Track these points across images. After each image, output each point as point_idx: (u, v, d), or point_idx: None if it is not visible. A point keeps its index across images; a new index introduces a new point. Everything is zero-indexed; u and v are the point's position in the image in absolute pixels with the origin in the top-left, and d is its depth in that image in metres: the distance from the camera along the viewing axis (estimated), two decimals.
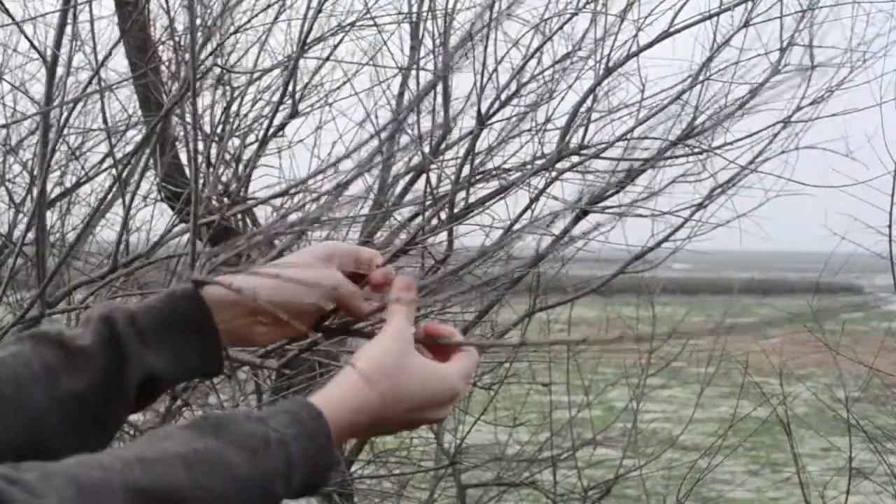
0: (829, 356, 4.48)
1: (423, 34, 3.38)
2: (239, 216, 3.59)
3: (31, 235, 2.35)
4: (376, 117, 3.38)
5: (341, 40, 3.40)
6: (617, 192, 3.32)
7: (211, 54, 2.86)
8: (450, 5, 3.23)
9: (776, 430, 4.91)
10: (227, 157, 3.38)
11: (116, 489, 0.70)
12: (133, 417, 2.69)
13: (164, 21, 3.46)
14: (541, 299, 4.04)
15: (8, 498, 0.66)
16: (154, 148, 2.55)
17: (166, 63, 3.51)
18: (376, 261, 1.05)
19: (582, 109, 3.21)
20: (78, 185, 3.88)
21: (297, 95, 3.42)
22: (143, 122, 3.66)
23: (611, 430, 5.13)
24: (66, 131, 3.02)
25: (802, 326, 4.60)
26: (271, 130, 3.23)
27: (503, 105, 3.18)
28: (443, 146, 3.09)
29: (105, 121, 2.59)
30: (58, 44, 1.98)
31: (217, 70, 3.37)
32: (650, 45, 3.20)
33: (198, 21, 3.09)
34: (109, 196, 2.99)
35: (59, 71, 2.14)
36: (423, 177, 2.95)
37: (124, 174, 2.52)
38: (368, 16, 3.36)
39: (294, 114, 3.37)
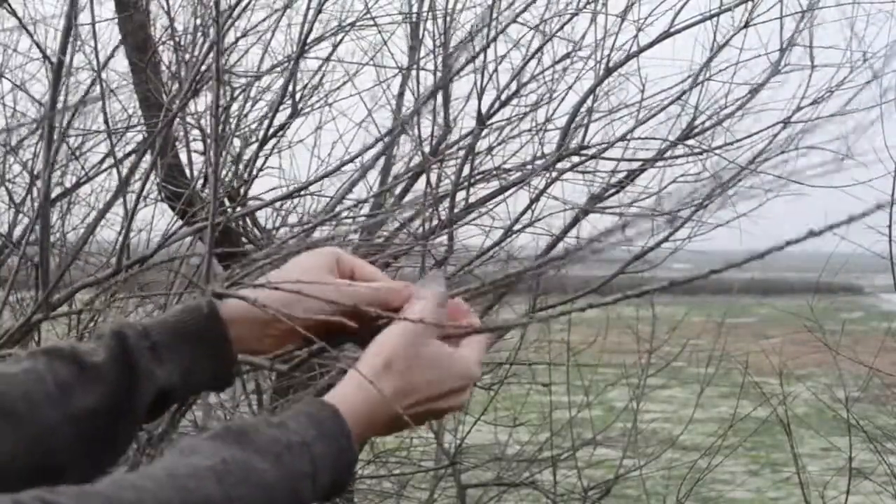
0: (829, 356, 4.47)
1: (423, 34, 3.38)
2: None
3: (32, 236, 2.35)
4: (373, 120, 3.39)
5: (341, 40, 3.41)
6: (617, 192, 3.32)
7: (209, 52, 2.86)
8: (450, 5, 3.24)
9: (776, 430, 4.91)
10: (230, 158, 3.38)
11: None
12: None
13: (165, 21, 3.47)
14: (541, 299, 4.04)
15: None
16: (155, 149, 2.54)
17: (167, 64, 3.52)
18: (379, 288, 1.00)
19: (582, 110, 3.21)
20: (78, 185, 3.88)
21: (298, 96, 3.42)
22: (144, 123, 3.66)
23: (611, 430, 5.13)
24: (67, 134, 3.02)
25: (802, 326, 4.61)
26: (271, 131, 3.24)
27: (503, 105, 3.19)
28: (443, 146, 3.09)
29: (106, 121, 2.59)
30: (63, 49, 1.97)
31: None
32: (650, 45, 3.20)
33: (198, 21, 3.10)
34: (113, 197, 2.99)
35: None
36: (423, 177, 2.95)
37: (125, 175, 2.51)
38: (368, 16, 3.36)
39: (294, 114, 3.37)
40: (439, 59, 3.22)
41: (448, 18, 3.20)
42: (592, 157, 3.22)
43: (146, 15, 3.48)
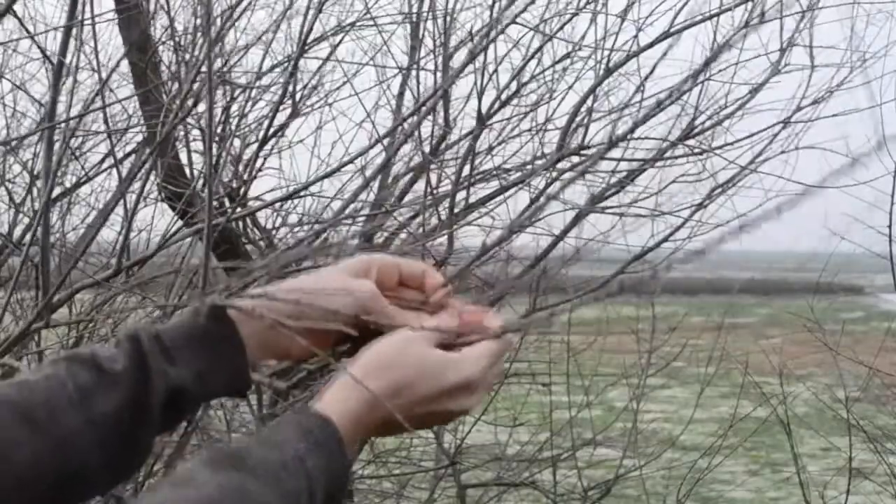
0: (829, 356, 4.48)
1: (423, 34, 3.38)
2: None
3: (31, 237, 2.35)
4: (373, 123, 3.38)
5: (341, 40, 3.41)
6: (617, 192, 3.32)
7: (209, 53, 2.85)
8: (450, 5, 3.24)
9: (776, 430, 4.91)
10: (230, 159, 3.38)
11: None
12: None
13: (164, 21, 3.47)
14: (540, 299, 4.04)
15: None
16: (155, 149, 2.55)
17: (167, 64, 3.51)
18: (430, 277, 0.99)
19: (582, 110, 3.21)
20: (78, 185, 3.88)
21: (298, 96, 3.42)
22: (144, 123, 3.66)
23: (611, 430, 5.12)
24: (70, 140, 3.02)
25: (802, 326, 4.61)
26: (271, 131, 3.24)
27: (503, 105, 3.19)
28: (443, 146, 3.09)
29: (106, 121, 2.60)
30: (63, 51, 1.98)
31: (217, 71, 3.37)
32: (650, 45, 3.20)
33: (198, 21, 3.10)
34: (113, 198, 2.99)
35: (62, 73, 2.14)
36: (424, 177, 2.96)
37: (126, 174, 2.52)
38: (368, 16, 3.36)
39: (294, 114, 3.37)
40: (439, 59, 3.22)
41: (448, 18, 3.20)
42: (592, 156, 3.22)
43: (146, 15, 3.48)
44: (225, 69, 3.39)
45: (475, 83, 2.97)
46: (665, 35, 3.18)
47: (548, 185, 3.16)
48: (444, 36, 3.17)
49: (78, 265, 2.97)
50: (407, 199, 3.35)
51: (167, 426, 0.91)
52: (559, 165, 3.19)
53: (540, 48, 3.12)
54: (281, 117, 3.35)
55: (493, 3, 2.99)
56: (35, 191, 3.46)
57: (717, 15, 3.24)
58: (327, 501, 0.83)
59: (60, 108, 2.33)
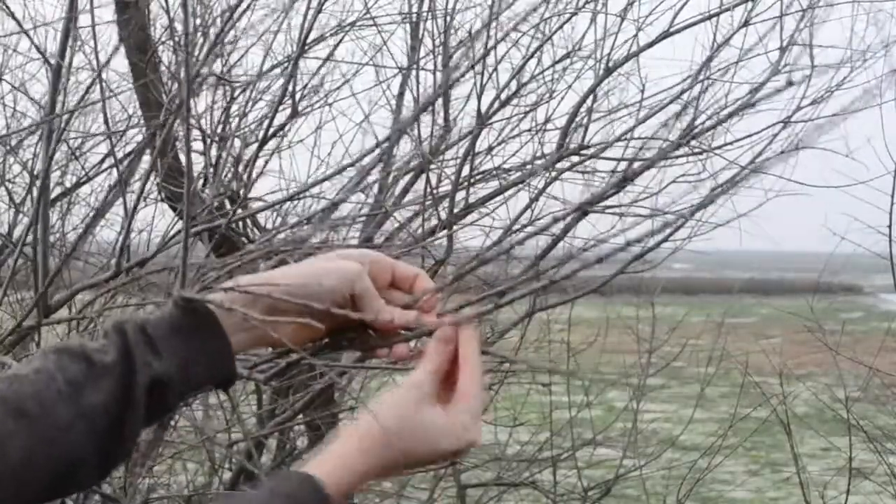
0: (829, 356, 4.48)
1: (423, 34, 3.38)
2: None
3: (31, 237, 2.35)
4: (370, 126, 3.38)
5: (341, 40, 3.41)
6: (617, 192, 3.32)
7: (209, 54, 2.86)
8: (450, 5, 3.24)
9: (776, 430, 4.91)
10: (230, 160, 3.38)
11: None
12: None
13: (164, 21, 3.47)
14: (540, 299, 4.04)
15: None
16: (155, 150, 2.55)
17: (167, 64, 3.51)
18: (421, 283, 1.00)
19: (582, 109, 3.21)
20: (78, 185, 3.88)
21: (297, 96, 3.42)
22: (144, 124, 3.66)
23: (611, 430, 5.13)
24: (66, 135, 3.02)
25: (802, 326, 4.61)
26: (271, 131, 3.23)
27: (503, 105, 3.19)
28: (443, 146, 3.09)
29: (106, 122, 2.59)
30: (62, 52, 1.98)
31: (217, 71, 3.37)
32: (650, 45, 3.20)
33: (197, 21, 3.10)
34: (110, 197, 3.00)
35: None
36: (423, 177, 2.95)
37: (124, 175, 2.52)
38: (368, 16, 3.36)
39: (294, 114, 3.37)
40: (439, 59, 3.22)
41: (448, 18, 3.20)
42: (592, 156, 3.22)
43: (146, 15, 3.48)
44: (224, 69, 3.40)
45: (475, 83, 2.97)
46: (665, 35, 3.18)
47: (547, 185, 3.16)
48: (444, 36, 3.17)
49: (78, 267, 2.97)
50: (407, 199, 3.34)
51: (153, 418, 0.92)
52: (559, 165, 3.18)
53: (539, 47, 3.12)
54: (281, 117, 3.35)
55: (493, 2, 3.00)
56: (35, 191, 3.46)
57: (717, 14, 3.24)
58: None
59: (60, 108, 2.33)
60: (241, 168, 3.29)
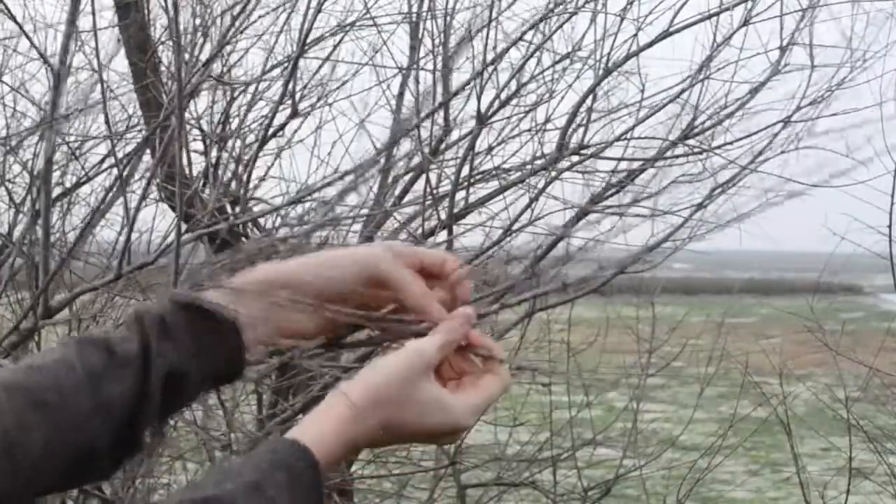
0: (829, 356, 4.48)
1: (423, 34, 3.38)
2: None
3: (31, 237, 2.35)
4: (366, 130, 3.38)
5: (341, 40, 3.41)
6: (617, 192, 3.32)
7: (211, 59, 2.86)
8: (450, 5, 3.24)
9: (776, 430, 4.91)
10: (231, 160, 3.38)
11: None
12: None
13: (164, 21, 3.47)
14: (540, 299, 4.04)
15: None
16: (155, 150, 2.55)
17: (166, 64, 3.51)
18: (449, 266, 0.97)
19: (582, 109, 3.21)
20: (78, 185, 3.88)
21: (297, 96, 3.42)
22: (144, 125, 3.66)
23: (611, 430, 5.13)
24: (66, 136, 3.02)
25: (802, 326, 4.61)
26: (271, 131, 3.24)
27: (503, 105, 3.19)
28: (443, 146, 3.09)
29: (107, 122, 2.60)
30: (64, 54, 1.97)
31: (217, 71, 3.37)
32: (650, 44, 3.20)
33: (197, 21, 3.10)
34: (108, 197, 2.99)
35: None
36: (423, 177, 2.96)
37: (125, 174, 2.52)
38: (368, 16, 3.36)
39: (294, 114, 3.37)
40: (439, 59, 3.22)
41: (448, 18, 3.20)
42: (592, 156, 3.22)
43: (146, 15, 3.48)
44: (224, 69, 3.40)
45: (475, 83, 2.97)
46: (665, 34, 3.18)
47: (547, 185, 3.16)
48: (444, 36, 3.17)
49: (77, 266, 2.97)
50: (407, 199, 3.35)
51: (170, 409, 0.91)
52: (558, 165, 3.18)
53: (539, 47, 3.12)
54: (281, 117, 3.35)
55: (493, 3, 3.00)
56: (35, 191, 3.45)
57: (717, 14, 3.24)
58: None
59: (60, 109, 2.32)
60: (241, 169, 3.29)
